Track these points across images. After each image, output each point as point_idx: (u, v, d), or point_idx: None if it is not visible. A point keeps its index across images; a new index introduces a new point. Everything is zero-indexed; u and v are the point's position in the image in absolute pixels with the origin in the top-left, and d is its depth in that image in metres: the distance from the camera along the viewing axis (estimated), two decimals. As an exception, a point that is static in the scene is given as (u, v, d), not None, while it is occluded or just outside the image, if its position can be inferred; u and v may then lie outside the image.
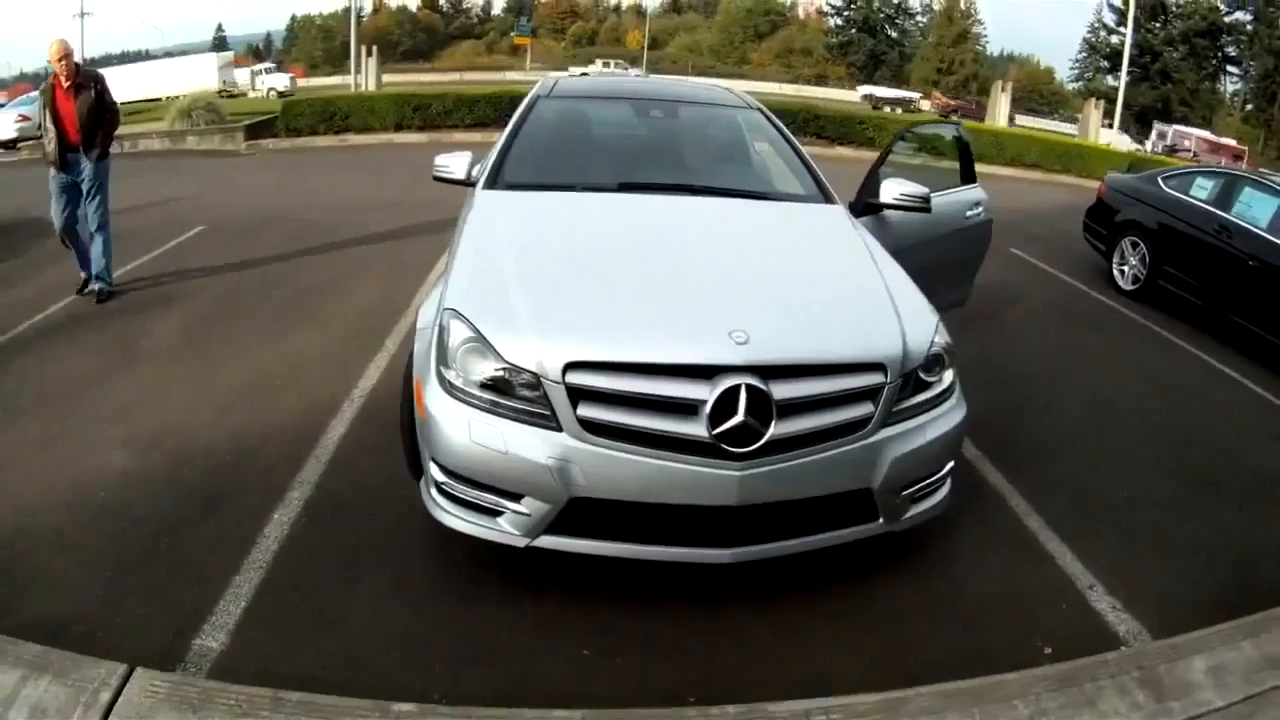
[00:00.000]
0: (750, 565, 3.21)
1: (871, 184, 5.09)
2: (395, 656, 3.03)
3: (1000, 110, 33.35)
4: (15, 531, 3.66)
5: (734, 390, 2.93)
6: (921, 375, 3.32)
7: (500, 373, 3.07)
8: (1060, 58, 78.18)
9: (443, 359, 3.21)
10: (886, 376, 3.16)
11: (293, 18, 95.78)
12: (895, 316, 3.39)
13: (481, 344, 3.11)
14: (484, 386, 3.10)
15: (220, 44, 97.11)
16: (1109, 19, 58.74)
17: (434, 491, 3.32)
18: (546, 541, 3.15)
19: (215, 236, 9.64)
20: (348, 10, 38.30)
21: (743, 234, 4.25)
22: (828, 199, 4.70)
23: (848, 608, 3.40)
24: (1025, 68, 75.57)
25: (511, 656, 3.06)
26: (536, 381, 3.01)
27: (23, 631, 2.87)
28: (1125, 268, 9.25)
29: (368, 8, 78.20)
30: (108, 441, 4.51)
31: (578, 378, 2.98)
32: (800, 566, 3.47)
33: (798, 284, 3.79)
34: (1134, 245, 9.16)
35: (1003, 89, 35.02)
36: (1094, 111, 33.14)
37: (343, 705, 2.64)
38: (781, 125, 5.46)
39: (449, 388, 3.16)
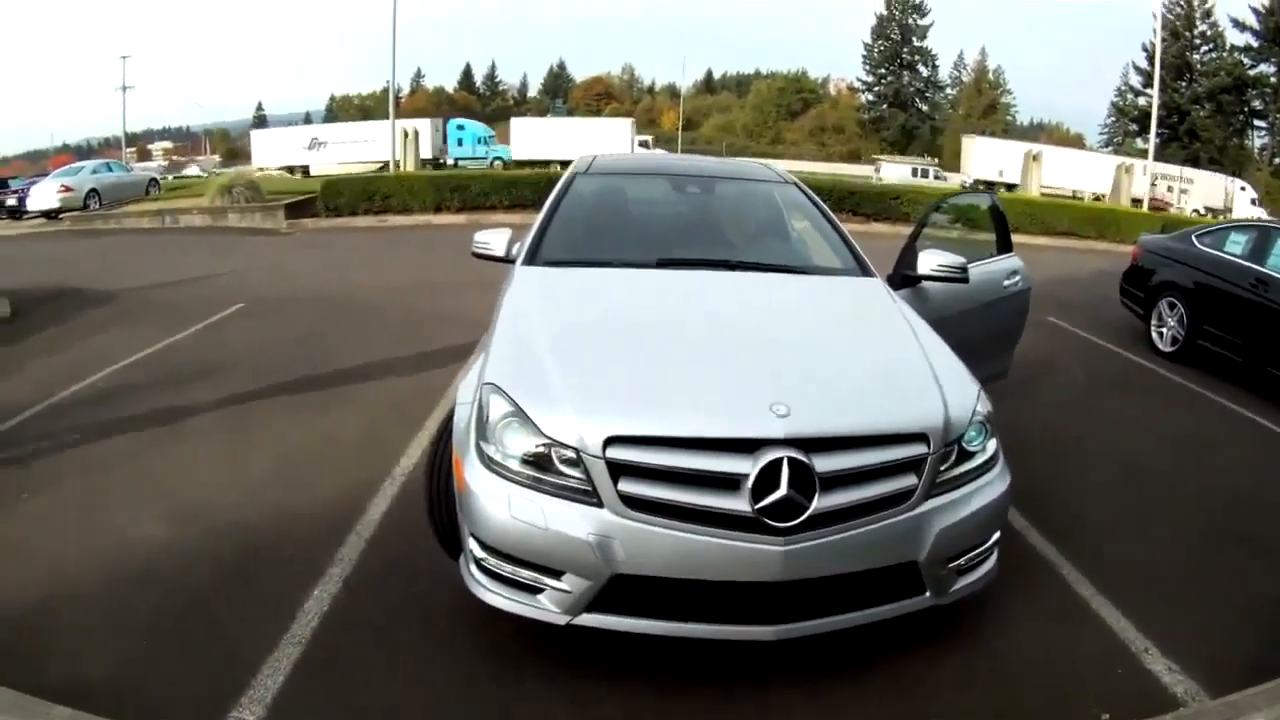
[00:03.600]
0: (793, 642, 3.15)
1: (908, 256, 5.09)
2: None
3: (1032, 180, 33.35)
4: (52, 598, 3.70)
5: (776, 464, 2.91)
6: (964, 446, 3.28)
7: (540, 448, 3.07)
8: (1089, 124, 78.26)
9: (482, 434, 3.21)
10: (929, 447, 3.12)
11: (331, 97, 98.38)
12: (937, 386, 3.37)
13: (521, 419, 3.12)
14: (524, 462, 3.09)
15: (260, 122, 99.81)
16: (1135, 81, 59.06)
17: (474, 568, 3.29)
18: (588, 619, 3.10)
19: (255, 313, 9.82)
20: (386, 90, 39.32)
21: (782, 307, 4.27)
22: (865, 272, 4.69)
23: (898, 684, 3.30)
24: (1054, 135, 76.00)
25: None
26: (577, 457, 3.00)
27: (56, 694, 2.85)
28: (1163, 330, 9.16)
29: (405, 89, 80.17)
30: (145, 514, 4.52)
31: (618, 453, 2.97)
32: (845, 643, 3.38)
33: (838, 356, 3.80)
34: (1171, 306, 9.09)
35: (1034, 158, 35.05)
36: (1125, 177, 33.13)
37: None
38: (818, 199, 5.47)
39: (488, 462, 3.15)
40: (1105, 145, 65.32)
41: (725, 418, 3.08)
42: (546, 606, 3.12)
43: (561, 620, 3.11)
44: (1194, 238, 9.33)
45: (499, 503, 3.07)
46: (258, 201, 22.33)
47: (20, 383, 7.03)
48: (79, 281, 11.69)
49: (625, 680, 3.25)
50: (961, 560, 3.30)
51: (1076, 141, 73.69)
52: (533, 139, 47.25)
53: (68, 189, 26.09)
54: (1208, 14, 53.78)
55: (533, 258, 4.61)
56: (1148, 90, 51.22)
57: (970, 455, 3.32)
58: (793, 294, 4.46)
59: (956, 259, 4.84)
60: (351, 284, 11.82)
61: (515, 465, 3.11)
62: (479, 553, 3.21)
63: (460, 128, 51.18)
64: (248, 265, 13.89)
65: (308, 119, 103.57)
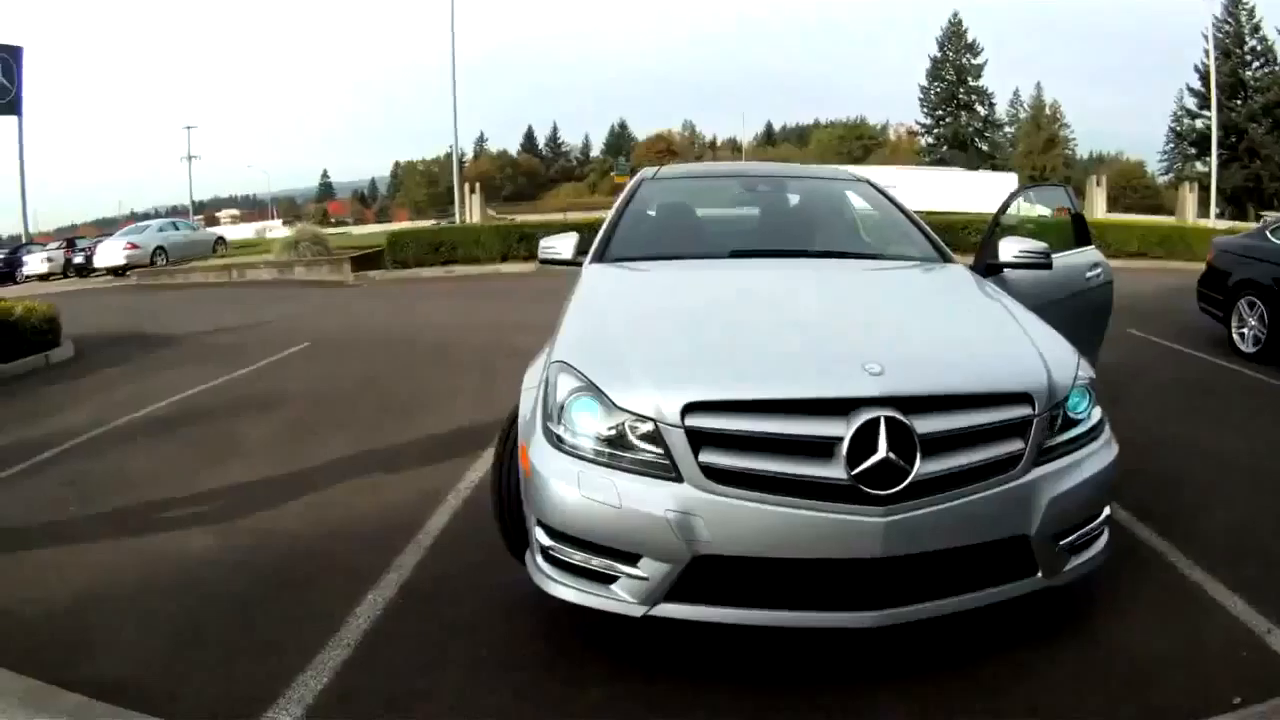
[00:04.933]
0: (890, 637, 2.92)
1: (989, 245, 4.94)
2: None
3: (1097, 203, 32.89)
4: (89, 592, 3.77)
5: (873, 425, 2.67)
6: (1069, 413, 3.05)
7: (613, 421, 2.87)
8: (1148, 151, 77.29)
9: (549, 414, 3.03)
10: (1034, 409, 2.88)
11: (396, 164, 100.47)
12: (1036, 350, 3.16)
13: (592, 392, 2.93)
14: (595, 438, 2.89)
15: (326, 189, 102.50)
16: (1190, 103, 58.06)
17: (540, 559, 3.07)
18: (666, 610, 2.82)
19: (320, 350, 10.01)
20: (449, 155, 40.15)
21: (864, 286, 4.14)
22: (947, 260, 4.56)
23: (1012, 679, 3.01)
24: (1115, 165, 75.00)
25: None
26: (654, 429, 2.79)
27: (94, 687, 2.84)
28: (1245, 330, 8.83)
29: (469, 153, 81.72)
30: (205, 522, 4.55)
31: (698, 420, 2.75)
32: (948, 638, 3.17)
33: (930, 322, 3.65)
34: (1251, 305, 8.76)
35: (1097, 183, 34.67)
36: (1189, 195, 32.53)
37: None
38: (892, 194, 5.33)
39: (556, 442, 2.96)
40: (1165, 171, 64.36)
41: (814, 378, 2.87)
42: (621, 596, 2.86)
43: (637, 612, 2.84)
44: (1268, 233, 9.06)
45: (568, 482, 2.87)
46: (324, 255, 22.66)
47: (75, 413, 7.28)
48: (143, 328, 12.15)
49: (707, 686, 2.99)
50: (1073, 536, 3.03)
51: (1137, 169, 72.69)
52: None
53: (134, 246, 27.01)
54: (1256, 29, 52.87)
55: (601, 256, 4.52)
56: (1204, 111, 50.40)
57: (1075, 423, 3.09)
58: (876, 275, 4.33)
59: (1039, 245, 4.63)
60: (415, 325, 12.04)
61: (585, 442, 2.91)
62: (546, 541, 3.00)
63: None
64: (314, 311, 14.21)
65: (373, 185, 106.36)
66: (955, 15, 70.84)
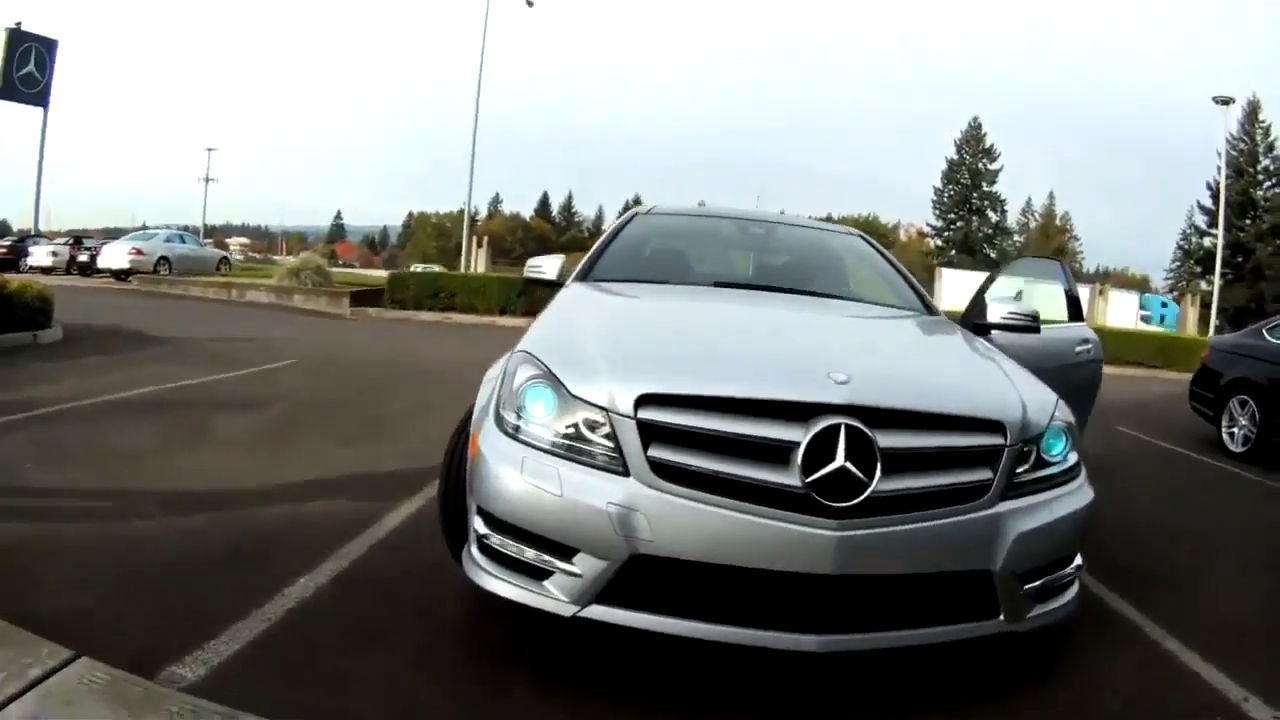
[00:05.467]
0: (839, 668, 2.79)
1: (977, 306, 4.88)
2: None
3: (1098, 312, 33.14)
4: (45, 549, 3.67)
5: (832, 432, 2.56)
6: (1043, 454, 2.95)
7: (566, 410, 2.78)
8: (1154, 268, 77.88)
9: (504, 401, 2.95)
10: (1006, 438, 2.77)
11: (410, 214, 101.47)
12: (1012, 385, 3.08)
13: (547, 379, 2.85)
14: (545, 425, 2.80)
15: (338, 230, 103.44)
16: (1200, 221, 58.60)
17: (475, 550, 2.92)
18: (598, 612, 2.66)
19: (305, 366, 10.12)
20: (463, 211, 40.60)
21: (845, 318, 4.08)
22: (931, 312, 4.53)
23: None
24: (1120, 279, 75.62)
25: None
26: (605, 419, 2.70)
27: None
28: (1235, 429, 8.79)
29: (483, 212, 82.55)
30: (156, 496, 4.47)
31: (651, 414, 2.64)
32: (901, 679, 3.05)
33: (907, 352, 3.62)
34: (1242, 404, 8.73)
35: (1099, 291, 34.97)
36: (1190, 309, 32.80)
37: None
38: (882, 249, 5.34)
39: (506, 428, 2.88)
40: (1170, 289, 64.77)
41: (775, 381, 2.77)
42: (553, 594, 2.71)
43: (568, 611, 2.68)
44: (1264, 331, 9.06)
45: (512, 467, 2.75)
46: (325, 286, 22.74)
47: (55, 388, 7.37)
48: (135, 326, 12.35)
49: (636, 700, 2.84)
50: (1040, 581, 2.89)
51: (1141, 285, 73.33)
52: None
53: (139, 252, 27.13)
54: (1271, 148, 53.56)
55: (584, 278, 4.49)
56: (1212, 230, 50.84)
57: (1050, 464, 2.98)
58: (859, 311, 4.28)
59: (1028, 308, 4.58)
60: (403, 355, 12.30)
61: (535, 429, 2.81)
62: (483, 529, 2.86)
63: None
64: (306, 335, 14.33)
65: (385, 233, 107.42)
66: (975, 119, 71.84)
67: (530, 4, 35.72)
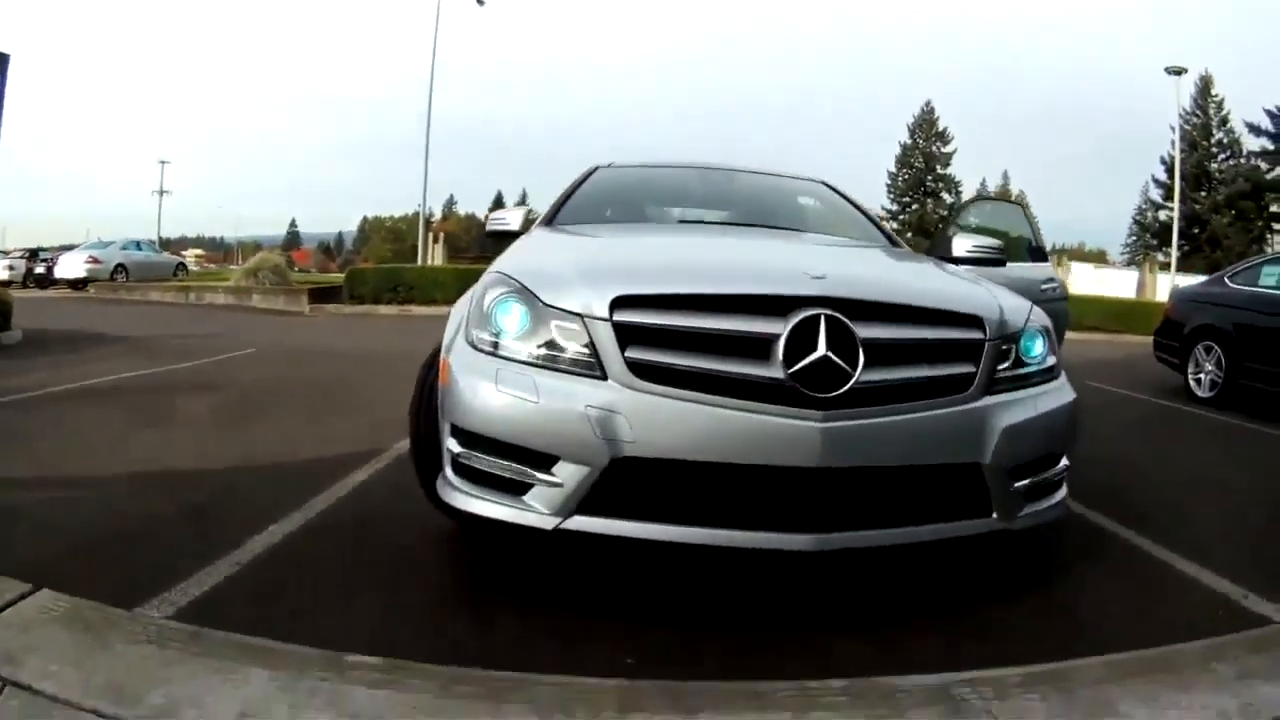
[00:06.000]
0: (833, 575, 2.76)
1: (943, 241, 4.87)
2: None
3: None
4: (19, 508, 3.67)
5: (812, 322, 2.53)
6: (1022, 355, 2.95)
7: (539, 320, 2.72)
8: (1111, 243, 78.73)
9: (476, 319, 2.88)
10: (985, 333, 2.77)
11: (364, 219, 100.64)
12: (988, 291, 3.08)
13: (520, 294, 2.80)
14: (518, 338, 2.74)
15: (293, 238, 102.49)
16: (1155, 195, 59.12)
17: (449, 471, 2.83)
18: (580, 523, 2.58)
19: (265, 356, 10.20)
20: (418, 214, 40.40)
21: (814, 245, 4.04)
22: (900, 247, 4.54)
23: (977, 632, 2.79)
24: (1077, 255, 76.32)
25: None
26: (580, 325, 2.64)
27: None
28: (1201, 375, 8.82)
29: (438, 214, 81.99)
30: (119, 465, 4.41)
31: (627, 315, 2.59)
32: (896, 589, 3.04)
33: (879, 265, 3.67)
34: (1208, 350, 8.77)
35: (1058, 263, 35.33)
36: (1150, 277, 33.23)
37: (281, 651, 2.20)
38: (850, 196, 5.31)
39: (478, 343, 2.81)
40: (1128, 263, 65.44)
41: (752, 279, 2.78)
42: (533, 506, 2.62)
43: (550, 524, 2.59)
44: (1226, 278, 9.13)
45: (485, 379, 2.69)
46: (283, 285, 22.59)
47: (17, 379, 7.38)
48: (96, 329, 12.38)
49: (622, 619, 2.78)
50: (1029, 479, 2.87)
51: (1098, 259, 74.06)
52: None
53: (96, 260, 27.07)
54: (1224, 121, 54.18)
55: (548, 224, 4.43)
56: (1168, 203, 51.40)
57: (1029, 364, 2.98)
58: (828, 241, 4.24)
59: (993, 241, 4.57)
60: (361, 345, 12.22)
61: (508, 341, 2.75)
62: (457, 448, 2.78)
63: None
64: (266, 329, 14.40)
65: (340, 238, 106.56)
66: (928, 103, 71.84)
67: (481, 3, 35.37)
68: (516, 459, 2.65)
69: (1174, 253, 40.58)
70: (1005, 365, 2.87)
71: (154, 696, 1.96)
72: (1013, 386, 2.87)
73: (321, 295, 21.60)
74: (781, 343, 2.52)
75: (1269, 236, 51.31)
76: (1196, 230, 51.94)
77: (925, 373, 2.67)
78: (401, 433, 3.59)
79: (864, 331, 2.57)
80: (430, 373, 3.29)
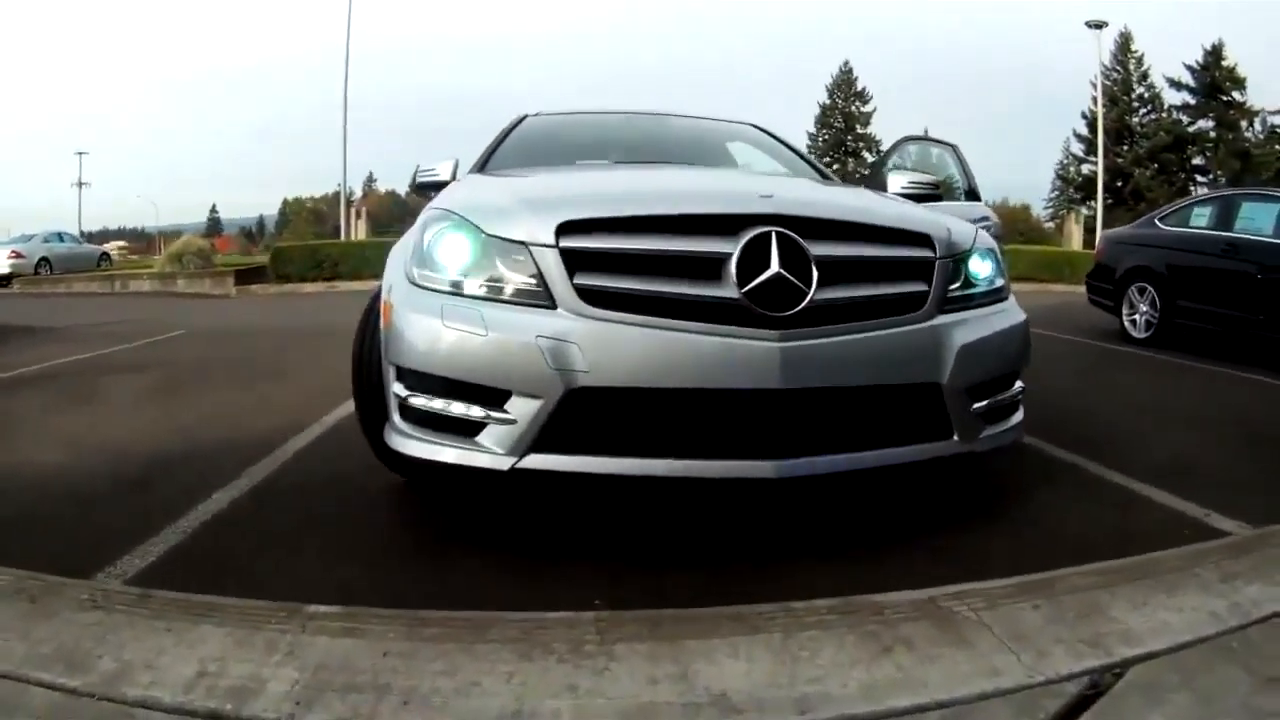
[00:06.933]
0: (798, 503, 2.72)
1: (877, 178, 4.84)
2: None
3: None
4: None
5: (763, 240, 2.48)
6: (970, 276, 2.95)
7: (482, 251, 2.63)
8: (1034, 197, 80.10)
9: (416, 256, 2.77)
10: (935, 251, 2.77)
11: (285, 201, 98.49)
12: (934, 213, 3.11)
13: (462, 224, 2.71)
14: (462, 272, 2.65)
15: (214, 225, 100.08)
16: (1077, 149, 60.11)
17: (397, 417, 2.73)
18: (537, 461, 2.49)
19: (194, 337, 10.01)
20: (338, 193, 39.69)
21: (756, 175, 4.09)
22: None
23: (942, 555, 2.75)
24: (1001, 210, 77.54)
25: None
26: (525, 254, 2.55)
27: None
28: (1136, 316, 8.97)
29: (358, 192, 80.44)
30: (58, 444, 4.31)
31: (574, 241, 2.52)
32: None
33: (825, 190, 3.70)
34: (1141, 291, 8.91)
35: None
36: (1075, 227, 33.87)
37: (234, 606, 2.10)
38: (784, 138, 5.25)
39: (421, 280, 2.71)
40: (1051, 217, 66.54)
41: (700, 201, 2.74)
42: (487, 447, 2.52)
43: (505, 464, 2.50)
44: (1157, 220, 9.28)
45: (429, 316, 2.59)
46: (208, 269, 22.12)
47: None
48: (25, 322, 11.90)
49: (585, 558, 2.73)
50: (988, 400, 2.86)
51: (1022, 213, 75.21)
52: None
53: (19, 255, 26.10)
54: (1144, 76, 55.24)
55: (481, 170, 4.28)
56: (1090, 157, 52.36)
57: (978, 285, 2.99)
58: (768, 172, 4.29)
59: (928, 176, 4.53)
60: (288, 323, 11.94)
61: (452, 275, 2.66)
62: (403, 392, 2.67)
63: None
64: (192, 312, 14.14)
65: (261, 222, 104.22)
66: (846, 64, 71.67)
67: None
68: (467, 397, 2.56)
69: (1099, 206, 41.33)
70: (956, 285, 2.87)
71: (105, 663, 1.85)
72: (964, 306, 2.89)
73: (247, 276, 21.14)
74: (734, 262, 2.47)
75: (1192, 189, 52.60)
76: (1120, 184, 52.94)
77: (879, 291, 2.66)
78: (334, 399, 3.49)
79: (816, 249, 2.54)
80: (369, 321, 3.18)
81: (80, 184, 67.66)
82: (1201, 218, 8.55)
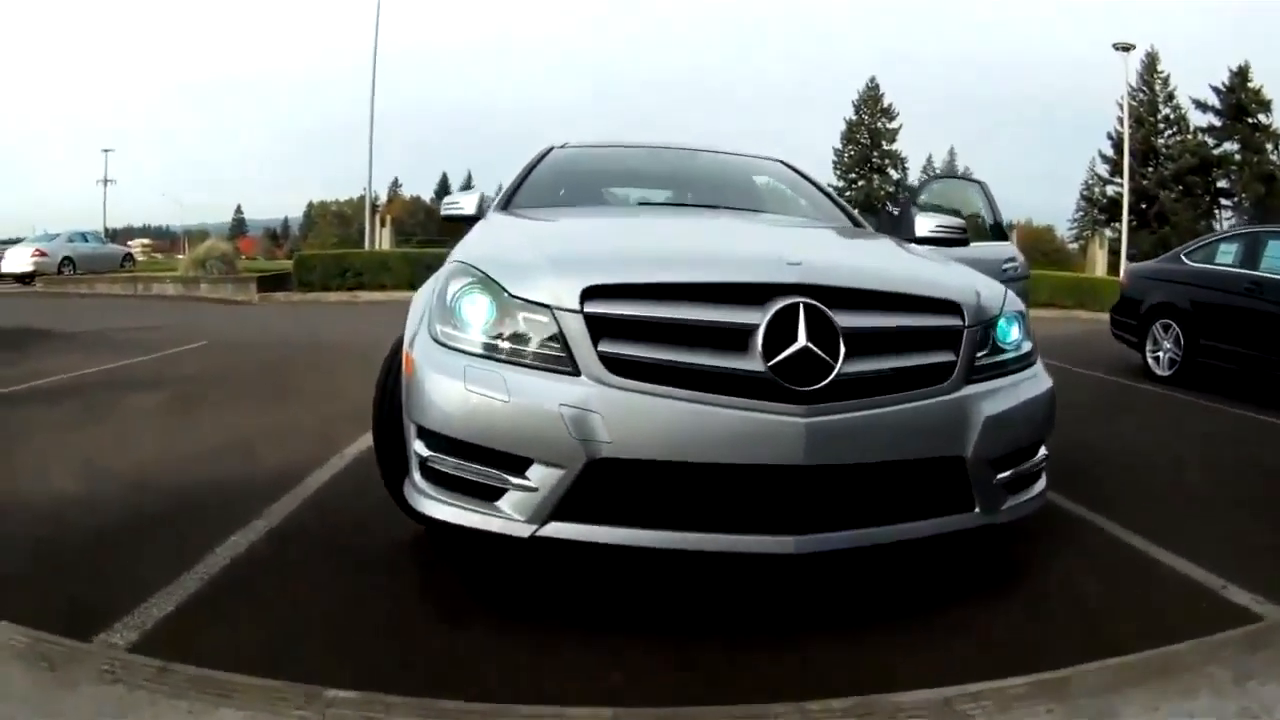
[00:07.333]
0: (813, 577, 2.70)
1: (904, 221, 4.83)
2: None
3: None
4: None
5: (791, 311, 2.44)
6: (998, 341, 2.91)
7: (506, 313, 2.62)
8: (1058, 218, 79.50)
9: (439, 313, 2.77)
10: (964, 319, 2.72)
11: (310, 204, 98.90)
12: (964, 274, 3.06)
13: (485, 284, 2.69)
14: (485, 332, 2.64)
15: (239, 226, 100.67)
16: (1102, 170, 59.75)
17: (417, 475, 2.72)
18: (557, 529, 2.47)
19: (216, 347, 10.03)
20: (363, 197, 39.80)
21: (782, 226, 4.03)
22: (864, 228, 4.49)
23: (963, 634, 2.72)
24: (1024, 231, 77.09)
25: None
26: (549, 318, 2.53)
27: None
28: (1159, 353, 8.89)
29: (383, 197, 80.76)
30: (75, 469, 4.30)
31: (598, 307, 2.49)
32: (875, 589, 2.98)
33: (852, 249, 3.63)
34: (1165, 328, 8.84)
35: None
36: (1099, 251, 33.64)
37: (255, 686, 2.08)
38: (808, 174, 5.26)
39: (443, 338, 2.70)
40: (1075, 238, 66.15)
41: (727, 267, 2.70)
42: (506, 513, 2.51)
43: (525, 531, 2.48)
44: (1183, 255, 9.20)
45: (452, 377, 2.57)
46: (231, 274, 22.33)
47: None
48: (45, 325, 11.98)
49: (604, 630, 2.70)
50: (1011, 471, 2.83)
51: (1046, 233, 74.72)
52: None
53: (42, 254, 26.42)
54: (1170, 97, 54.87)
55: (504, 208, 4.30)
56: (1115, 179, 52.06)
57: (1006, 350, 2.95)
58: (795, 223, 4.22)
59: (955, 220, 4.55)
60: (311, 334, 12.14)
61: (474, 335, 2.64)
62: (425, 452, 2.66)
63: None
64: (215, 320, 14.24)
65: (286, 224, 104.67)
66: (873, 80, 71.76)
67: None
68: (488, 462, 2.55)
69: (1124, 229, 41.01)
70: (983, 352, 2.83)
71: (122, 739, 1.84)
72: (992, 375, 2.84)
73: (270, 283, 21.34)
74: (760, 333, 2.44)
75: (1217, 212, 52.28)
76: (1144, 205, 52.63)
77: (906, 362, 2.61)
78: (359, 426, 3.52)
79: (843, 320, 2.50)
80: (390, 372, 3.17)
81: (106, 181, 68.03)
82: (1227, 255, 8.48)
